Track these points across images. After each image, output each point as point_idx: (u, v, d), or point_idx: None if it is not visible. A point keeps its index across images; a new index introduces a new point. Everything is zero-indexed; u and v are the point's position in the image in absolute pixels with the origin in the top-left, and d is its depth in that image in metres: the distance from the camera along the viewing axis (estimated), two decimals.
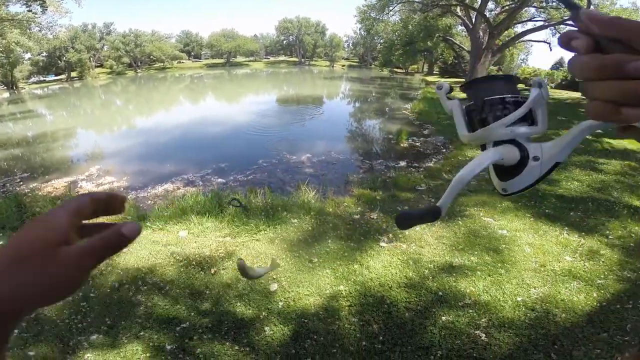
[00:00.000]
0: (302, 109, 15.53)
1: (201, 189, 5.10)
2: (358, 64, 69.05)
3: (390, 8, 23.30)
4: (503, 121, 0.42)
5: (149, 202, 4.88)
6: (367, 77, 37.59)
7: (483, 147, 0.48)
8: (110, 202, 0.34)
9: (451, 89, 0.48)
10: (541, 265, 2.95)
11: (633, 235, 3.49)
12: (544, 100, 0.42)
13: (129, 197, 5.00)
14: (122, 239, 0.29)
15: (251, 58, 75.13)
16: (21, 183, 5.92)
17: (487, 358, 2.02)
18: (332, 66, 65.39)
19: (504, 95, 0.43)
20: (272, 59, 77.68)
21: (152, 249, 3.16)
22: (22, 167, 6.91)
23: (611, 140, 8.06)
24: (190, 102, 20.91)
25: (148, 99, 22.98)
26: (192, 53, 73.67)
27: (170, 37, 68.28)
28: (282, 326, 2.23)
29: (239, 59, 73.15)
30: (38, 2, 15.90)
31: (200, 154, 7.56)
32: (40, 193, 5.21)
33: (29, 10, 16.94)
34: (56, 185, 5.69)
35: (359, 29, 39.37)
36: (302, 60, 70.89)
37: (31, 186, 5.69)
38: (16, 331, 2.17)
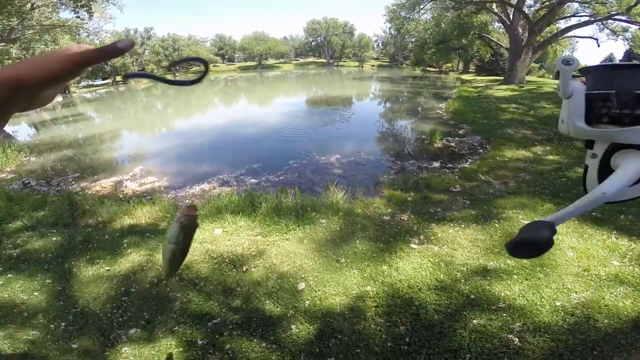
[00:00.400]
0: (331, 109, 15.56)
1: (235, 189, 5.29)
2: (388, 64, 67.88)
3: (421, 6, 22.76)
4: None
5: (187, 200, 5.14)
6: (398, 77, 36.85)
7: (589, 144, 0.41)
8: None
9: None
10: (585, 269, 2.78)
11: None
12: None
13: (168, 196, 5.29)
14: (115, 48, 0.32)
15: (281, 60, 76.45)
16: (73, 182, 6.44)
17: None
18: (362, 66, 64.80)
19: None
20: (301, 60, 78.54)
21: None
22: (74, 168, 7.52)
23: None
24: (224, 104, 21.72)
25: (186, 102, 24.15)
26: (226, 56, 76.38)
27: (205, 40, 71.18)
28: (307, 325, 2.26)
29: (270, 61, 74.74)
30: (85, 9, 17.18)
31: (235, 154, 7.83)
32: (89, 192, 5.66)
33: (77, 17, 18.34)
34: (104, 185, 6.15)
35: (389, 28, 38.76)
36: (331, 61, 70.99)
37: (82, 185, 6.17)
38: (63, 324, 2.34)
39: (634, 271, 2.72)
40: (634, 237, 3.27)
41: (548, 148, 6.87)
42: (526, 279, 2.65)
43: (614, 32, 19.52)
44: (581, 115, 0.39)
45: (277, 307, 2.44)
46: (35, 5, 17.17)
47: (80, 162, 8.07)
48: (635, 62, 0.36)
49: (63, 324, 2.42)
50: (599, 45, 20.89)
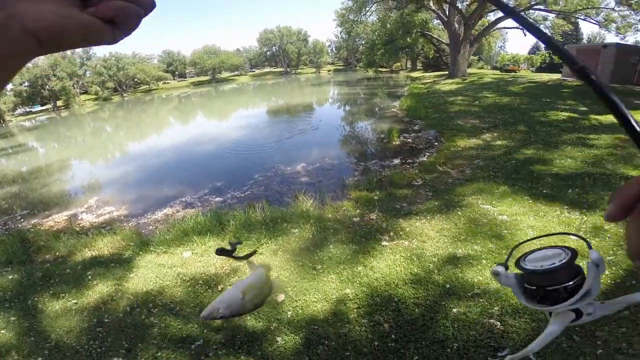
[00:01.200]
0: (292, 118, 15.63)
1: (200, 210, 5.13)
2: (343, 68, 69.52)
3: (367, 8, 23.67)
4: (569, 302, 0.48)
5: (150, 227, 4.90)
6: (354, 80, 37.88)
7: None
8: None
9: (506, 267, 0.57)
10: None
11: None
12: (599, 278, 0.48)
13: (129, 224, 5.02)
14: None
15: (236, 72, 75.34)
16: (22, 220, 5.91)
17: (506, 346, 1.99)
18: (319, 72, 65.74)
19: (566, 285, 0.48)
20: (257, 71, 77.95)
21: (158, 272, 3.19)
22: (21, 205, 6.89)
23: (598, 117, 8.20)
24: (180, 122, 20.95)
25: (138, 122, 22.99)
26: (177, 72, 73.71)
27: (151, 57, 68.07)
28: (293, 335, 2.26)
29: (224, 74, 73.33)
30: None
31: (196, 174, 7.58)
32: (42, 228, 5.22)
33: None
34: (57, 219, 5.69)
35: (340, 32, 39.79)
36: (288, 69, 71.22)
37: (32, 222, 5.68)
38: (40, 359, 2.21)
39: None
40: (584, 210, 3.54)
41: (495, 134, 7.43)
42: (495, 263, 2.74)
43: (536, 21, 21.63)
44: (521, 298, 0.53)
45: (260, 321, 2.41)
46: None
47: (27, 198, 7.39)
48: (548, 266, 0.49)
49: (40, 359, 2.30)
50: (525, 35, 23.06)
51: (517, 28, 22.48)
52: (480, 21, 22.30)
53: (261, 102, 26.23)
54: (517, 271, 0.54)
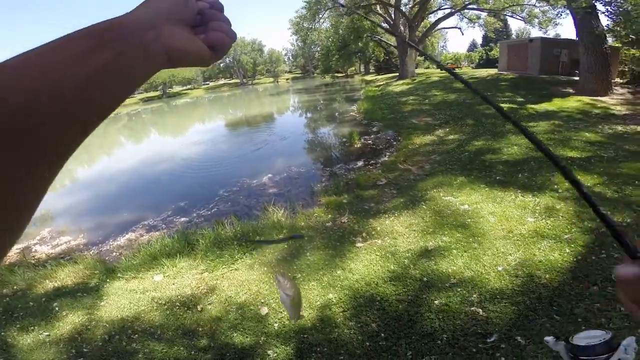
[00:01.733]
0: (253, 129, 15.43)
1: (166, 232, 4.89)
2: (302, 75, 70.11)
3: (320, 16, 24.15)
4: None
5: (114, 253, 4.58)
6: (312, 87, 38.36)
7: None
8: None
9: (557, 337, 0.70)
10: (508, 231, 3.14)
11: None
12: (630, 357, 0.61)
13: (91, 252, 4.66)
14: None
15: (189, 86, 72.88)
16: None
17: (492, 331, 2.07)
18: (277, 81, 65.61)
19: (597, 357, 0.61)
20: (211, 84, 76.04)
21: (131, 298, 3.01)
22: None
23: (534, 106, 9.11)
24: (132, 142, 19.78)
25: (84, 145, 21.19)
26: None
27: None
28: (283, 347, 2.25)
29: (176, 88, 70.60)
30: None
31: (156, 196, 7.20)
32: None
33: None
34: (8, 254, 5.12)
35: (296, 41, 40.12)
36: (244, 80, 70.31)
37: None
38: None
39: (547, 224, 3.15)
40: (536, 192, 3.84)
41: (447, 129, 7.95)
42: (465, 251, 2.94)
43: (470, 20, 23.74)
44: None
45: (247, 337, 2.37)
46: None
47: None
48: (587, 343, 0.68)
49: None
50: (462, 34, 25.22)
51: (455, 28, 24.29)
52: (422, 23, 23.73)
53: (218, 115, 25.61)
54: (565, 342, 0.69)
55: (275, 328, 2.43)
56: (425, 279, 2.69)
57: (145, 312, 2.81)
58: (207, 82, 77.41)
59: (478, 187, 4.32)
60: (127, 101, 63.35)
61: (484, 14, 22.50)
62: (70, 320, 2.82)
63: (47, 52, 0.22)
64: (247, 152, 10.17)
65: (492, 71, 20.07)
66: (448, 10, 22.61)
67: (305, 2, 23.02)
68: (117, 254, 4.54)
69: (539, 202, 3.64)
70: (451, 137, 7.32)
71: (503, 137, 6.50)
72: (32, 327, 2.79)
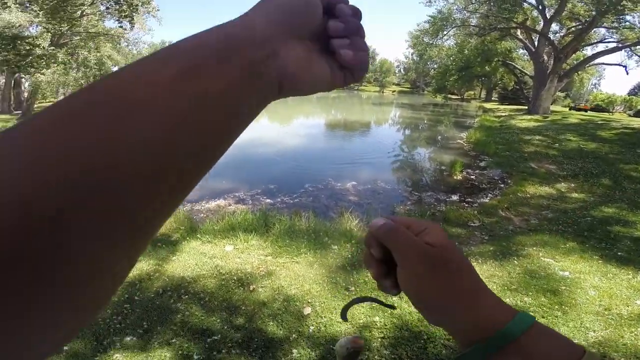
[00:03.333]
0: (349, 134, 15.74)
1: (250, 208, 5.37)
2: (410, 90, 68.53)
3: (445, 32, 22.97)
4: None
5: (202, 215, 5.25)
6: (419, 104, 37.06)
7: None
8: None
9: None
10: (606, 308, 2.68)
11: None
12: None
13: (184, 208, 5.42)
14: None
15: None
16: None
17: None
18: (382, 92, 65.67)
19: None
20: None
21: (199, 260, 3.37)
22: None
23: None
24: None
25: None
26: None
27: None
28: (310, 350, 2.22)
29: None
30: (128, 19, 18.26)
31: (252, 173, 7.99)
32: None
33: (120, 26, 19.46)
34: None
35: (411, 54, 39.32)
36: (351, 85, 72.43)
37: None
38: None
39: None
40: None
41: (573, 185, 6.64)
42: (542, 317, 2.56)
43: None
44: None
45: (281, 329, 2.41)
46: (84, 13, 18.50)
47: None
48: None
49: None
50: (627, 73, 20.19)
51: (618, 65, 19.87)
52: (574, 55, 20.25)
53: (321, 114, 26.94)
54: None
55: (310, 330, 2.41)
56: None
57: (204, 277, 3.08)
58: None
59: (590, 257, 3.66)
60: None
61: None
62: (140, 267, 3.19)
63: (128, 80, 0.17)
64: (338, 154, 10.43)
65: None
66: (613, 45, 18.70)
67: (430, 16, 22.19)
68: (204, 215, 5.18)
69: None
70: (575, 195, 6.10)
71: None
72: None
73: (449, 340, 2.30)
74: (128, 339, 2.31)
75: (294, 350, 2.22)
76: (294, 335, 2.36)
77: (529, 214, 5.18)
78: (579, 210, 5.26)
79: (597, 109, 29.37)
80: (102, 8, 19.08)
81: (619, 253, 3.76)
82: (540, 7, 18.30)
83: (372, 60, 71.30)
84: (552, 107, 22.60)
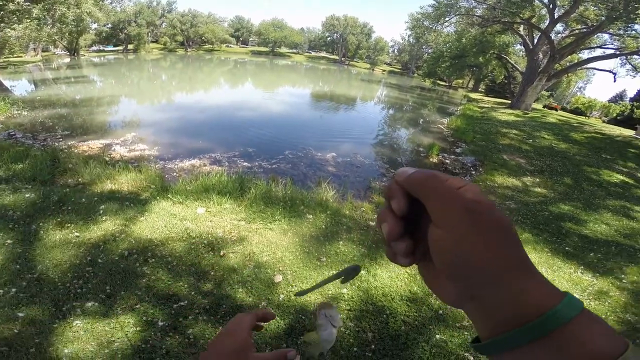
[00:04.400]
0: (334, 107, 15.51)
1: (226, 170, 5.20)
2: (400, 71, 67.79)
3: (447, 19, 22.49)
4: None
5: (175, 174, 5.04)
6: (406, 86, 36.87)
7: None
8: (265, 317, 0.50)
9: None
10: None
11: None
12: None
13: (156, 166, 5.18)
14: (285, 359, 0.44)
15: (294, 50, 75.83)
16: (60, 139, 6.30)
17: None
18: (372, 69, 64.52)
19: None
20: (313, 53, 78.01)
21: (168, 222, 3.24)
22: (65, 126, 7.35)
23: None
24: (229, 85, 21.45)
25: (192, 77, 23.82)
26: (241, 38, 75.55)
27: (224, 20, 70.31)
28: (278, 319, 2.23)
29: (283, 49, 74.07)
30: None
31: (231, 135, 7.73)
32: (75, 151, 5.53)
33: None
34: (91, 145, 6.02)
35: (408, 36, 38.53)
36: (342, 59, 70.57)
37: (69, 143, 6.03)
38: (13, 290, 2.17)
39: (589, 304, 2.88)
40: (597, 275, 3.43)
41: (538, 180, 6.94)
42: None
43: (635, 68, 19.21)
44: None
45: (250, 296, 2.40)
46: None
47: (72, 121, 7.88)
48: None
49: (14, 289, 2.22)
50: (615, 80, 20.76)
51: (609, 71, 20.32)
52: (569, 57, 20.48)
53: (309, 84, 26.24)
54: None
55: (280, 299, 2.42)
56: (440, 312, 2.51)
57: (173, 239, 2.97)
58: (310, 51, 79.50)
59: (541, 249, 3.92)
60: (239, 50, 68.97)
61: None
62: (105, 227, 3.03)
63: None
64: (321, 125, 10.29)
65: (628, 132, 16.85)
66: (610, 51, 19.00)
67: (435, 0, 21.59)
68: (177, 174, 4.98)
69: (595, 284, 3.29)
70: (538, 189, 6.38)
71: (596, 210, 5.53)
72: (69, 225, 3.01)
73: (408, 317, 2.39)
74: (89, 304, 2.17)
75: None
76: (263, 303, 2.35)
77: (494, 202, 5.37)
78: (539, 204, 5.52)
79: (575, 111, 30.57)
80: None
81: (567, 248, 4.02)
82: (551, 6, 18.10)
83: (367, 37, 69.28)
84: (534, 105, 23.20)
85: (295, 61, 60.59)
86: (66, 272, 2.45)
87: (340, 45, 70.40)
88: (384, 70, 65.76)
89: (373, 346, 2.12)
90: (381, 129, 11.54)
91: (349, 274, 0.45)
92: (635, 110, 28.65)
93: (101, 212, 3.28)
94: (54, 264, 2.52)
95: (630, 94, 39.93)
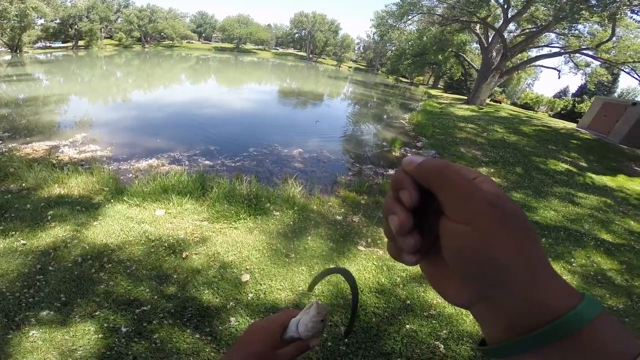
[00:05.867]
0: (301, 103, 15.46)
1: (186, 169, 4.98)
2: (365, 68, 69.01)
3: (409, 17, 23.18)
4: None
5: (130, 175, 4.75)
6: (371, 82, 37.61)
7: None
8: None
9: None
10: None
11: (595, 264, 3.67)
12: None
13: (109, 167, 4.84)
14: (309, 348, 0.47)
15: (260, 47, 74.50)
16: (0, 142, 5.70)
17: None
18: (339, 66, 65.18)
19: None
20: (280, 50, 77.20)
21: (124, 225, 3.05)
22: (4, 127, 6.64)
23: (593, 176, 8.21)
24: (190, 82, 20.60)
25: (149, 74, 22.57)
26: (204, 34, 72.87)
27: (185, 16, 67.35)
28: (249, 318, 2.18)
29: (249, 46, 72.47)
30: None
31: (192, 134, 7.42)
32: (18, 154, 5.00)
33: None
34: (36, 148, 5.49)
35: (373, 34, 39.20)
36: (310, 56, 70.53)
37: (9, 146, 5.46)
38: None
39: None
40: (550, 260, 3.65)
41: (492, 170, 7.39)
42: None
43: (577, 66, 20.97)
44: None
45: (217, 297, 2.32)
46: None
47: (14, 122, 7.16)
48: None
49: None
50: (559, 77, 22.72)
51: (554, 69, 22.03)
52: (519, 55, 21.95)
53: (275, 81, 25.93)
54: None
55: (249, 298, 2.37)
56: (408, 301, 2.57)
57: (130, 243, 2.81)
58: (277, 48, 78.52)
59: None
60: (201, 46, 66.46)
61: (596, 63, 19.85)
62: (54, 233, 2.83)
63: None
64: (287, 122, 10.21)
65: (570, 125, 18.40)
66: (556, 49, 20.54)
67: None
68: (133, 176, 4.69)
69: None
70: (493, 179, 6.75)
71: (545, 197, 5.98)
72: (13, 232, 2.79)
73: (377, 308, 2.43)
74: (44, 313, 2.05)
75: (232, 318, 2.16)
76: (231, 303, 2.29)
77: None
78: None
79: (524, 106, 32.92)
80: None
81: None
82: (505, 6, 19.22)
83: (335, 34, 69.65)
84: (487, 101, 24.65)
85: (261, 58, 59.51)
86: (14, 282, 2.27)
87: (308, 42, 70.27)
88: (349, 67, 66.66)
89: (346, 340, 2.14)
90: (347, 124, 11.67)
91: (346, 273, 0.49)
92: (576, 105, 31.43)
93: (49, 218, 3.03)
94: (0, 273, 2.32)
95: (573, 89, 43.68)
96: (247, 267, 2.70)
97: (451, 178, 0.24)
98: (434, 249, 0.27)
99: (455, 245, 0.24)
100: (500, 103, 30.20)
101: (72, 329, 1.96)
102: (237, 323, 2.13)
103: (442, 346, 2.19)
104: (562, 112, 32.50)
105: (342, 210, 4.06)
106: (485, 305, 0.25)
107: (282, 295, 2.43)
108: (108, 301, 2.19)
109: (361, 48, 77.09)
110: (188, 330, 2.04)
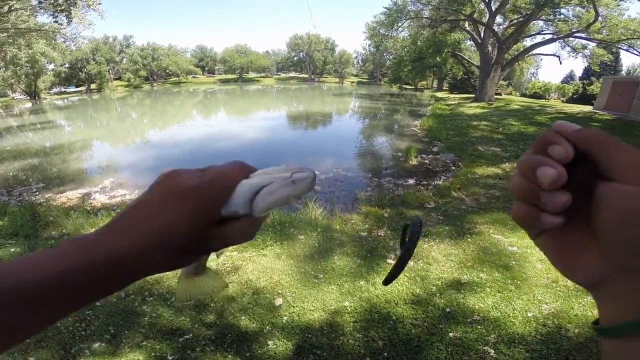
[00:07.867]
0: (311, 125, 15.75)
1: None
2: (367, 81, 69.79)
3: (399, 24, 23.57)
4: None
5: None
6: (376, 94, 37.93)
7: None
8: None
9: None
10: (553, 281, 2.90)
11: None
12: None
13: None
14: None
15: (262, 74, 76.81)
16: (37, 193, 6.09)
17: None
18: (342, 83, 66.17)
19: None
20: (282, 75, 79.25)
21: None
22: (38, 177, 7.12)
23: None
24: (202, 116, 21.41)
25: (162, 112, 23.65)
26: (206, 68, 75.94)
27: (185, 51, 70.60)
28: (285, 340, 2.23)
29: (251, 74, 74.88)
30: (64, 14, 16.60)
31: None
32: (54, 203, 5.35)
33: (55, 22, 17.64)
34: (70, 196, 5.84)
35: (368, 45, 39.95)
36: (312, 76, 71.96)
37: (46, 196, 5.84)
38: None
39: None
40: None
41: (515, 164, 7.25)
42: (498, 292, 2.74)
43: (574, 50, 20.71)
44: None
45: (253, 322, 2.39)
46: (13, 8, 16.34)
47: (45, 172, 7.64)
48: None
49: None
50: (560, 63, 22.57)
51: (553, 55, 21.77)
52: (515, 46, 21.85)
53: (283, 106, 26.57)
54: None
55: (284, 321, 2.41)
56: (448, 309, 2.53)
57: (168, 277, 2.94)
58: (279, 73, 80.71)
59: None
60: (206, 79, 69.15)
61: (592, 44, 19.72)
62: None
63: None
64: (300, 145, 10.39)
65: (587, 108, 17.90)
66: (549, 36, 20.39)
67: (385, 8, 22.68)
68: None
69: None
70: None
71: None
72: None
73: (416, 320, 2.41)
74: (96, 345, 2.21)
75: (269, 342, 2.21)
76: (267, 327, 2.34)
77: (478, 193, 5.56)
78: None
79: (534, 96, 32.34)
80: (34, 2, 16.97)
81: None
82: (486, 0, 19.43)
83: (332, 52, 71.25)
84: (496, 95, 24.38)
85: (265, 85, 61.33)
86: (67, 318, 2.41)
87: (308, 63, 71.96)
88: (352, 82, 67.52)
89: (385, 354, 2.12)
90: (359, 139, 11.79)
91: (414, 233, 0.42)
92: (587, 87, 30.60)
93: None
94: None
95: (578, 73, 42.66)
96: (279, 291, 2.76)
97: (615, 142, 0.23)
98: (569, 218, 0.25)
99: (625, 205, 0.22)
100: (501, 95, 29.83)
101: (122, 359, 2.10)
102: (274, 346, 2.18)
103: (492, 351, 2.13)
104: (575, 96, 31.63)
105: (366, 226, 4.09)
106: (628, 276, 0.23)
107: (315, 315, 2.47)
108: (153, 331, 2.31)
109: (360, 61, 78.27)
110: (229, 356, 2.11)
